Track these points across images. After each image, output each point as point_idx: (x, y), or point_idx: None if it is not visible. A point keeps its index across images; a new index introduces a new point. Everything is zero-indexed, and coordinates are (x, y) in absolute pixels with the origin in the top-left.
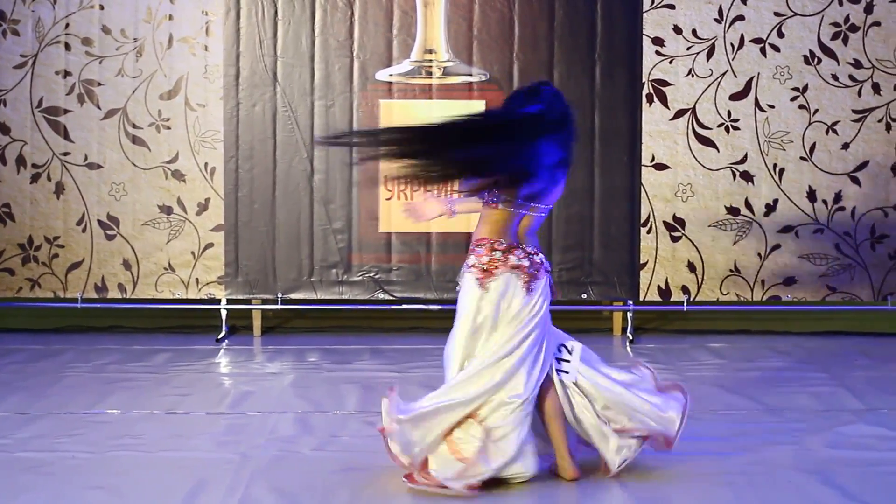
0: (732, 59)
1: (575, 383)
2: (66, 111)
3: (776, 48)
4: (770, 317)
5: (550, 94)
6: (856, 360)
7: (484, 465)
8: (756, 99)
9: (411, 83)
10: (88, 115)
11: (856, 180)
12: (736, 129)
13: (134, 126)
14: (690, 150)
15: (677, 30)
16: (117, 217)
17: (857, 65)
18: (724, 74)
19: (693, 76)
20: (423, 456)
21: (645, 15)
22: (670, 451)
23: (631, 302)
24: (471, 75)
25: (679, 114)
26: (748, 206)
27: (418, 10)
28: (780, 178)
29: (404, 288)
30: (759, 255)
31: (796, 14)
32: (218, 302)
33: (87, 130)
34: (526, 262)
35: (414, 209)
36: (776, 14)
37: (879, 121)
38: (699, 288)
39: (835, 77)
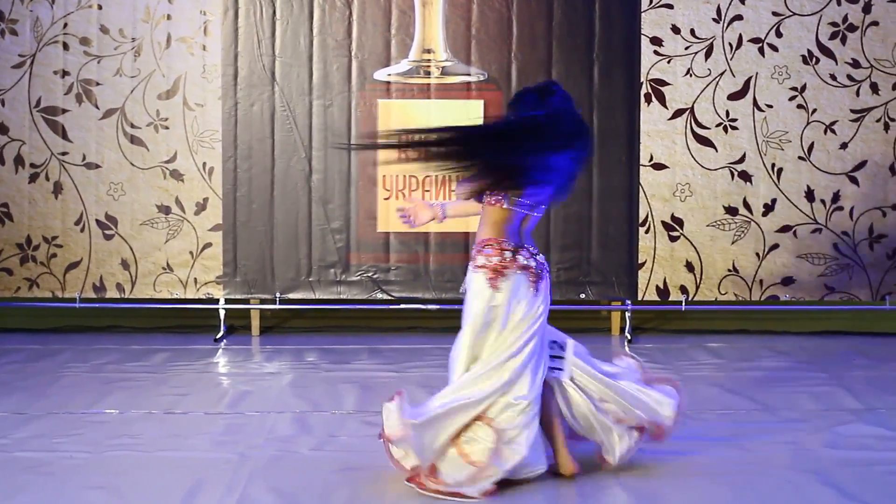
0: (731, 59)
1: (571, 379)
2: (64, 111)
3: (774, 48)
4: (768, 316)
5: (562, 98)
6: (854, 359)
7: (497, 467)
8: (754, 99)
9: (409, 83)
10: (87, 114)
11: (854, 180)
12: (734, 128)
13: (132, 126)
14: (689, 149)
15: (675, 29)
16: (115, 217)
17: (856, 64)
18: (722, 74)
19: (691, 76)
20: (434, 460)
21: (643, 15)
22: (662, 443)
23: (629, 302)
24: (469, 75)
25: (677, 113)
26: (746, 205)
27: (416, 10)
28: (779, 178)
29: (403, 288)
30: (758, 254)
31: (794, 14)
32: (216, 302)
33: (85, 130)
34: (533, 263)
35: (407, 215)
36: (774, 14)
37: (878, 120)
38: (697, 288)
39: (833, 77)
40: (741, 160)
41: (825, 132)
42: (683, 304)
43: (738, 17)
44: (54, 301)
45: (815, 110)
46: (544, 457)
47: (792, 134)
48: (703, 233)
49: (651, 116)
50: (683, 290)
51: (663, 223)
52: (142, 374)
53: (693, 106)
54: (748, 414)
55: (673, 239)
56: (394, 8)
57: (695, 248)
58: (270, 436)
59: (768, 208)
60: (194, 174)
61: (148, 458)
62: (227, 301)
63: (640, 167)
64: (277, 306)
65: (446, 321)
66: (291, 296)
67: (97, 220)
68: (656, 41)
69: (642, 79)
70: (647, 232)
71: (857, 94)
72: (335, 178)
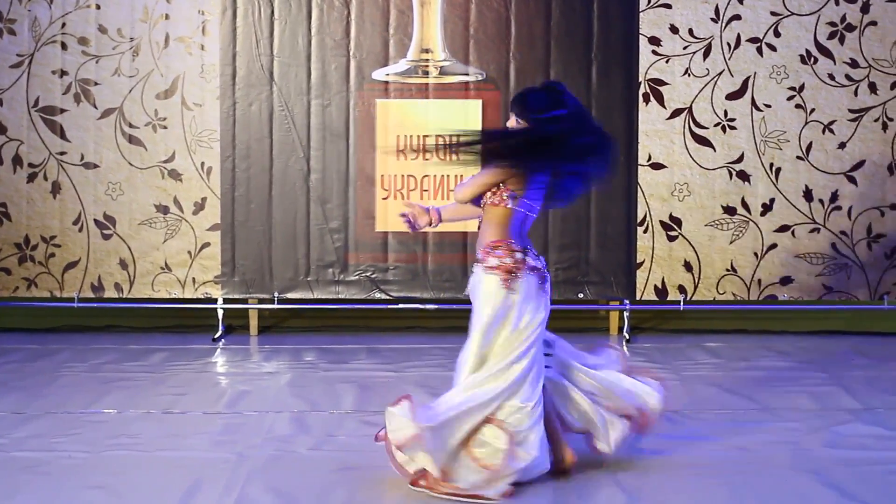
0: (729, 59)
1: (562, 374)
2: (62, 111)
3: (773, 48)
4: (767, 316)
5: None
6: (852, 359)
7: (513, 468)
8: (752, 98)
9: (408, 82)
10: (85, 114)
11: (852, 180)
12: (732, 128)
13: (130, 125)
14: (687, 149)
15: (674, 29)
16: (114, 216)
17: (854, 64)
18: (720, 74)
19: (689, 76)
20: (447, 462)
21: (641, 14)
22: (647, 434)
23: (627, 301)
24: (467, 74)
25: (675, 113)
26: (745, 205)
27: (415, 10)
28: (777, 178)
29: (401, 287)
30: (756, 254)
31: (793, 13)
32: (214, 301)
33: (83, 130)
34: (539, 264)
35: (410, 220)
36: (773, 13)
37: (876, 120)
38: (696, 287)
39: (831, 76)
40: (739, 160)
41: (823, 132)
42: (682, 303)
43: (737, 17)
44: (52, 301)
45: (813, 110)
46: (549, 456)
47: (790, 134)
48: (702, 232)
49: (649, 116)
50: (682, 289)
51: (661, 223)
52: (140, 374)
53: (691, 106)
54: (746, 413)
55: (671, 239)
56: (392, 8)
57: (693, 247)
58: (269, 435)
59: (766, 208)
60: (192, 174)
61: (146, 457)
62: (226, 301)
63: (639, 167)
64: (276, 306)
65: (444, 321)
66: (290, 295)
67: (95, 220)
68: (654, 41)
69: (640, 78)
70: (645, 232)
71: (856, 93)
72: (333, 177)
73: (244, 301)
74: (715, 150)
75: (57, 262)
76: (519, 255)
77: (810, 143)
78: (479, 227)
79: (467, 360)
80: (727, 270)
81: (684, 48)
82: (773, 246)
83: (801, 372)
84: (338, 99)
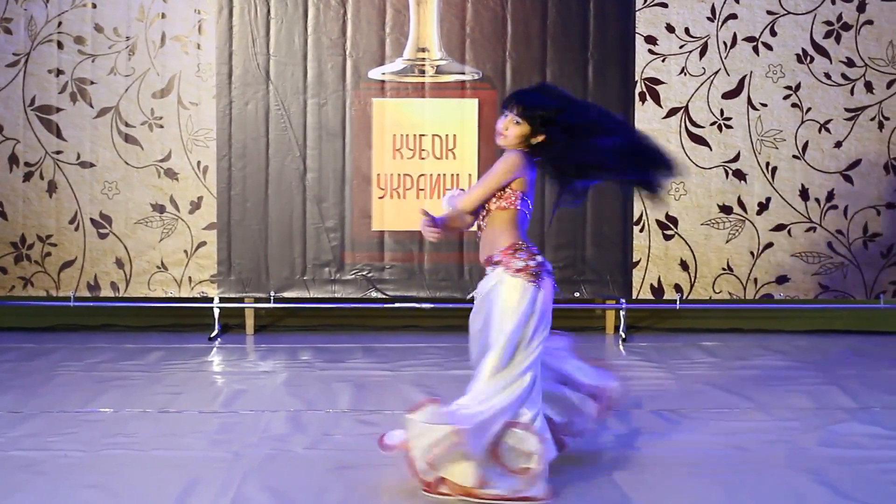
0: (725, 58)
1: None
2: (58, 109)
3: (769, 47)
4: (763, 315)
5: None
6: (848, 358)
7: (546, 465)
8: (749, 97)
9: (404, 81)
10: (81, 113)
11: (848, 179)
12: (728, 127)
13: (126, 124)
14: (683, 148)
15: (670, 28)
16: (110, 216)
17: (850, 63)
18: (716, 73)
19: (686, 75)
20: (482, 468)
21: (637, 13)
22: (608, 416)
23: (624, 300)
24: (463, 74)
25: (672, 112)
26: (741, 204)
27: (411, 9)
28: (773, 177)
29: (397, 286)
30: (752, 253)
31: (789, 12)
32: (210, 300)
33: (79, 129)
34: (550, 266)
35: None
36: (769, 12)
37: (872, 119)
38: (692, 286)
39: (827, 75)
40: (735, 159)
41: (819, 131)
42: (678, 302)
43: (733, 16)
44: (48, 300)
45: (809, 109)
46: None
47: (786, 133)
48: (698, 231)
49: (645, 115)
50: (678, 288)
51: (658, 222)
52: (136, 373)
53: (687, 105)
54: (742, 412)
55: (667, 237)
56: (388, 7)
57: (689, 246)
58: (265, 434)
59: (763, 207)
60: (189, 173)
61: (142, 456)
62: (222, 300)
63: None
64: (272, 305)
65: (441, 320)
66: (286, 294)
67: (91, 219)
68: (651, 40)
69: (637, 77)
70: (641, 230)
71: (852, 92)
72: (330, 176)
73: (240, 300)
74: (711, 149)
75: (53, 262)
76: (540, 258)
77: (806, 142)
78: (480, 231)
79: (492, 362)
80: (723, 269)
81: (680, 47)
82: (770, 245)
83: (798, 371)
84: (334, 98)
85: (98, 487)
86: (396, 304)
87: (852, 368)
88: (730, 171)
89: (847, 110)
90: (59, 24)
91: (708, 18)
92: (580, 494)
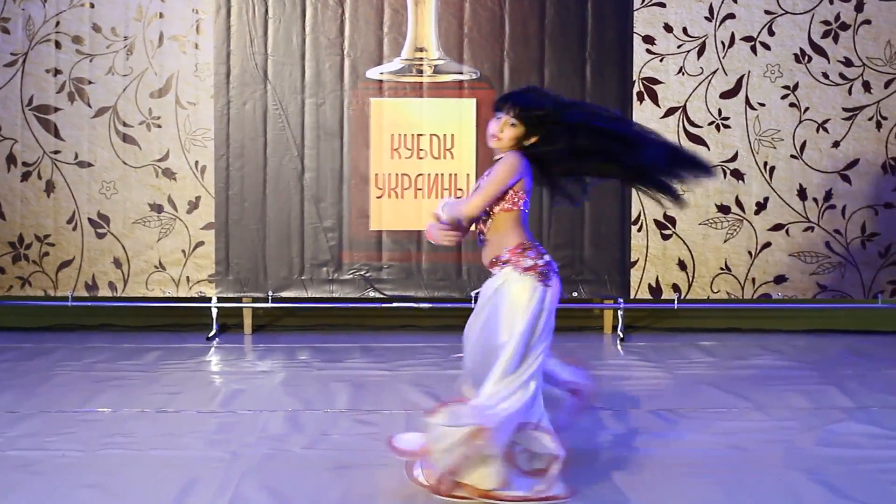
0: (723, 58)
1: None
2: (56, 109)
3: (767, 46)
4: (760, 315)
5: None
6: (846, 358)
7: (561, 462)
8: (747, 97)
9: (402, 81)
10: (79, 113)
11: (846, 178)
12: (726, 127)
13: (124, 124)
14: None
15: (668, 28)
16: (108, 215)
17: (848, 63)
18: (714, 73)
19: (684, 74)
20: (503, 472)
21: (635, 13)
22: (587, 408)
23: (622, 300)
24: (461, 73)
25: (670, 112)
26: (739, 204)
27: (409, 9)
28: (771, 176)
29: (395, 286)
30: (750, 253)
31: (787, 12)
32: (208, 300)
33: (77, 129)
34: (556, 266)
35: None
36: (767, 12)
37: (870, 119)
38: (690, 286)
39: (825, 75)
40: (733, 158)
41: (817, 130)
42: (676, 302)
43: (731, 16)
44: (46, 300)
45: (807, 109)
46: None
47: (784, 132)
48: (696, 231)
49: (643, 115)
50: (676, 288)
51: (655, 221)
52: (134, 373)
53: (685, 104)
54: (740, 412)
55: (665, 237)
56: (386, 6)
57: (687, 246)
58: (263, 434)
59: (761, 206)
60: (187, 173)
61: (140, 456)
62: (220, 299)
63: None
64: (270, 305)
65: (439, 320)
66: (284, 294)
67: (89, 219)
68: (649, 39)
69: (635, 77)
70: (639, 230)
71: (850, 92)
72: (327, 176)
73: (238, 300)
74: (709, 149)
75: (51, 261)
76: (547, 257)
77: (804, 142)
78: (482, 235)
79: (504, 364)
80: (721, 269)
81: (678, 47)
82: (768, 245)
83: (795, 371)
84: (332, 98)
85: (96, 487)
86: (394, 304)
87: (850, 368)
88: (728, 171)
89: (845, 110)
90: (57, 23)
91: (706, 18)
92: (579, 494)
